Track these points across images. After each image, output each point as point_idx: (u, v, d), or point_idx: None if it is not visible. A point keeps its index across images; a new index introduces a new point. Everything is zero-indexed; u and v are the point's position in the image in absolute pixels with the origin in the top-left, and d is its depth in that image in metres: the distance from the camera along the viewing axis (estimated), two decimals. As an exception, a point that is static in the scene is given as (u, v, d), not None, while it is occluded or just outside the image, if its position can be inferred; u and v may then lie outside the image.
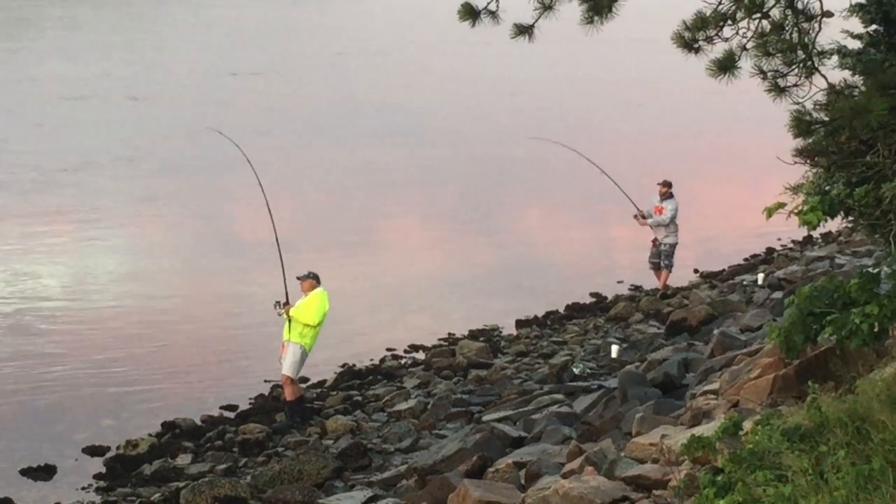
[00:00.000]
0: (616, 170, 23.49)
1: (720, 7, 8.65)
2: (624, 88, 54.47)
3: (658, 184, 23.06)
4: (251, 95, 47.23)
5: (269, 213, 17.67)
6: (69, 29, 69.49)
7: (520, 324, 21.87)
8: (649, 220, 22.87)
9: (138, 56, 57.53)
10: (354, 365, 19.43)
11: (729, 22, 8.68)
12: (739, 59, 8.73)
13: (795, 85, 8.79)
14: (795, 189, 9.24)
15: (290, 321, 16.52)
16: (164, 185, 31.97)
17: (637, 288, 24.04)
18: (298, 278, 16.80)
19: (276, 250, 17.13)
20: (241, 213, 28.77)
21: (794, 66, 8.74)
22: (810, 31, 8.76)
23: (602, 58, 59.53)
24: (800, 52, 8.70)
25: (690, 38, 8.75)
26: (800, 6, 8.75)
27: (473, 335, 21.07)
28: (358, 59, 60.09)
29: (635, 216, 23.07)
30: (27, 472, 14.79)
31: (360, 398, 17.78)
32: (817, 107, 8.86)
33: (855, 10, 11.28)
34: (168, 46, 62.62)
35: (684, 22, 8.77)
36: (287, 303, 16.64)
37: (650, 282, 23.67)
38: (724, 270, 25.43)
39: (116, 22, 74.83)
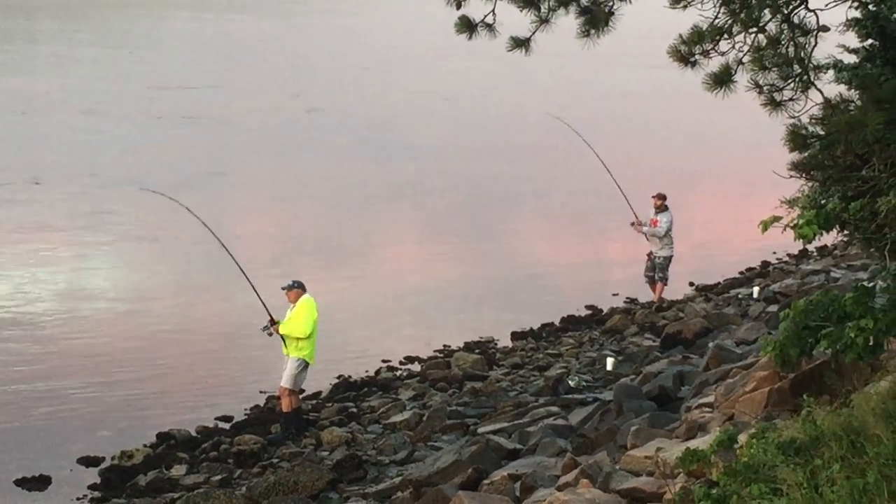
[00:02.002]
0: (610, 181, 23.45)
1: (716, 21, 8.67)
2: (618, 102, 54.53)
3: (653, 196, 23.09)
4: (231, 110, 46.85)
5: (218, 238, 17.55)
6: (34, 42, 68.69)
7: (515, 336, 21.86)
8: (645, 229, 22.90)
9: (101, 70, 56.53)
10: (350, 376, 19.39)
11: (725, 36, 8.71)
12: (735, 73, 8.76)
13: (791, 99, 8.81)
14: (791, 203, 9.25)
15: (284, 338, 16.47)
16: (155, 199, 31.59)
17: (633, 301, 24.05)
18: (283, 289, 16.64)
19: (241, 271, 16.91)
20: (233, 226, 28.71)
21: (790, 81, 8.76)
22: (806, 46, 8.79)
23: (596, 72, 59.63)
24: (796, 67, 8.73)
25: (687, 52, 8.78)
26: (796, 20, 8.78)
27: (469, 347, 21.05)
28: (338, 73, 59.85)
29: (632, 223, 23.10)
30: (22, 483, 14.76)
31: (355, 410, 17.76)
32: (813, 121, 8.89)
33: (851, 24, 11.28)
34: (143, 59, 61.79)
35: (681, 36, 8.79)
36: (274, 322, 16.53)
37: (646, 295, 23.68)
38: (719, 283, 25.47)
39: (84, 36, 73.59)
